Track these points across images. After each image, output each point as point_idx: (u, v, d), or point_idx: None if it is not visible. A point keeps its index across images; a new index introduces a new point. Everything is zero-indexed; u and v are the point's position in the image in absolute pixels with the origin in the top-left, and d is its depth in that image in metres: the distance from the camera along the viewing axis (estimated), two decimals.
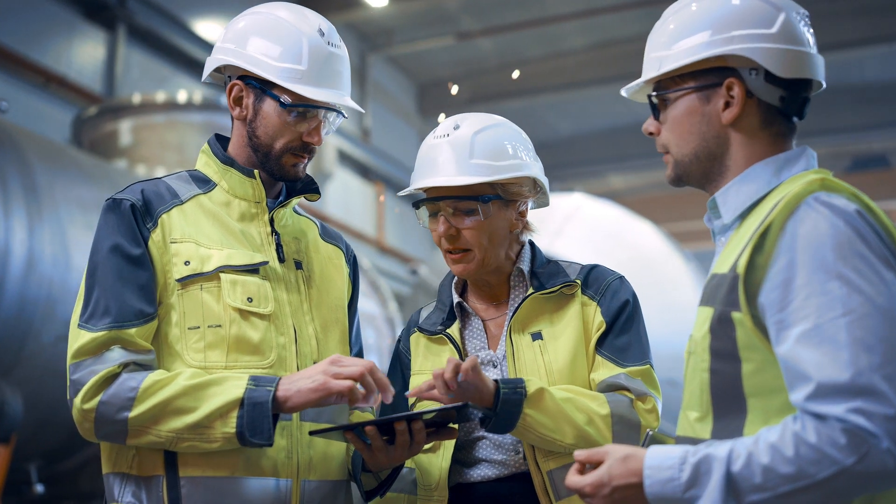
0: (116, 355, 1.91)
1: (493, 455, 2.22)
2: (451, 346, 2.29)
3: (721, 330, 1.58)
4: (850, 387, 1.40)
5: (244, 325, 2.01)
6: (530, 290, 2.29)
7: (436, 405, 2.11)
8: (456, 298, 2.36)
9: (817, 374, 1.43)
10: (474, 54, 13.33)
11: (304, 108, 2.09)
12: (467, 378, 2.02)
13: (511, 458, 2.21)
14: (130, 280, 1.97)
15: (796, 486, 1.41)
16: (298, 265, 2.18)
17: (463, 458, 2.25)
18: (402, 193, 2.39)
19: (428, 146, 2.31)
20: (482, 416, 2.10)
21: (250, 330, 2.01)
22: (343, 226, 11.68)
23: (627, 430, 2.14)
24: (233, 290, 2.01)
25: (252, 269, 2.06)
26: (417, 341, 2.39)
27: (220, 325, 1.99)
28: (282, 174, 2.14)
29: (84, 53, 8.39)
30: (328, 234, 2.35)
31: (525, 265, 2.34)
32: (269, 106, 2.10)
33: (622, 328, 2.24)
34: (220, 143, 2.22)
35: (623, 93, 1.92)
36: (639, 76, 1.83)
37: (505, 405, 2.08)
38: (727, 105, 1.70)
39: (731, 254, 1.62)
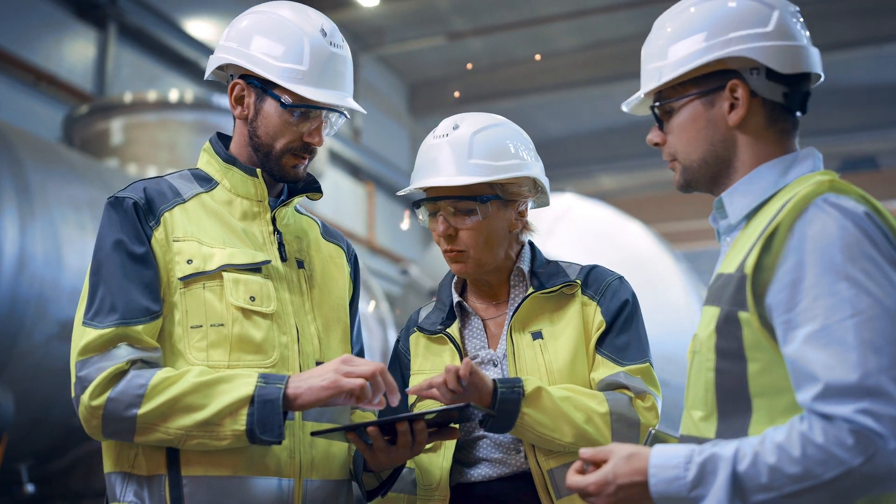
0: (124, 352, 1.90)
1: (494, 454, 2.22)
2: (451, 345, 2.29)
3: (727, 330, 1.58)
4: (858, 388, 1.40)
5: (247, 325, 2.00)
6: (530, 290, 2.30)
7: (437, 405, 2.11)
8: (456, 298, 2.36)
9: (825, 374, 1.43)
10: (465, 54, 13.33)
11: (304, 109, 2.09)
12: (466, 380, 2.02)
13: (511, 458, 2.21)
14: (136, 277, 1.96)
15: (802, 486, 1.42)
16: (300, 264, 2.17)
17: (463, 457, 2.25)
18: (401, 193, 2.39)
19: (427, 146, 2.32)
20: (483, 416, 2.10)
21: (253, 329, 2.00)
22: (334, 225, 11.59)
23: (626, 428, 2.14)
24: (235, 290, 2.01)
25: (254, 269, 2.05)
26: (417, 341, 2.38)
27: (222, 325, 1.99)
28: (282, 175, 2.13)
29: (75, 52, 8.36)
30: (329, 234, 2.35)
31: (525, 265, 2.35)
32: (270, 106, 2.09)
33: (622, 327, 2.25)
34: (221, 141, 2.21)
35: (624, 108, 1.93)
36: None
37: (503, 405, 2.09)
38: (732, 107, 1.70)
39: (737, 254, 1.62)
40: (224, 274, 2.01)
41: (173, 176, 2.15)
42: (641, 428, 2.15)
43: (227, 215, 2.11)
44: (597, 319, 2.26)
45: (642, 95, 1.82)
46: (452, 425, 2.09)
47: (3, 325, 4.57)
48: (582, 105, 14.40)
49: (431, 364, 2.32)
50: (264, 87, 2.09)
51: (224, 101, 6.70)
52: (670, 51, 1.75)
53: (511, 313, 2.29)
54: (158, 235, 2.01)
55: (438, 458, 2.23)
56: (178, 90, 7.07)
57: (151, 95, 6.78)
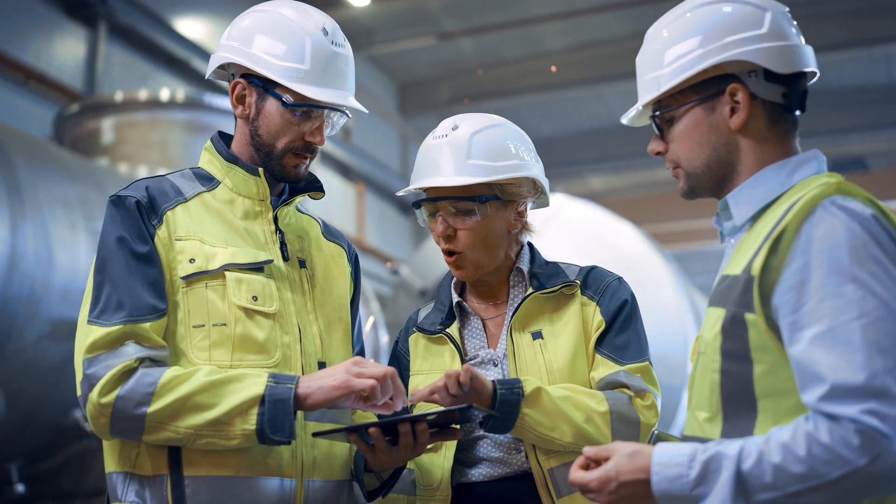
0: (132, 350, 1.89)
1: (494, 454, 2.22)
2: (450, 345, 2.29)
3: (733, 331, 1.58)
4: (864, 388, 1.41)
5: (249, 324, 2.00)
6: (530, 290, 2.30)
7: (438, 406, 2.11)
8: (455, 298, 2.36)
9: (831, 375, 1.44)
10: (456, 54, 13.33)
11: (306, 108, 2.09)
12: (468, 386, 2.03)
13: (512, 457, 2.21)
14: (141, 275, 1.95)
15: (807, 485, 1.42)
16: (302, 264, 2.17)
17: (463, 457, 2.25)
18: (401, 193, 2.39)
19: (427, 146, 2.32)
20: (484, 416, 2.10)
21: (255, 329, 2.00)
22: None
23: (626, 426, 2.15)
24: (238, 289, 2.00)
25: (257, 268, 2.05)
26: (416, 341, 2.38)
27: (225, 324, 1.98)
28: (283, 174, 2.13)
29: (65, 51, 8.32)
30: (331, 233, 2.34)
31: (524, 265, 2.35)
32: (271, 105, 2.09)
33: (621, 327, 2.26)
34: (223, 140, 2.20)
35: (623, 121, 1.94)
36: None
37: (503, 406, 2.09)
38: (733, 111, 1.71)
39: (743, 255, 1.63)
40: (227, 273, 2.00)
41: (175, 175, 2.14)
42: (641, 426, 2.16)
43: (229, 214, 2.10)
44: (596, 319, 2.26)
45: (640, 107, 1.83)
46: (454, 426, 2.09)
47: None
48: (572, 105, 14.42)
49: (431, 364, 2.32)
50: (266, 86, 2.09)
51: (215, 100, 6.69)
52: (666, 59, 1.76)
53: (511, 313, 2.29)
54: (161, 234, 2.00)
55: (439, 459, 2.23)
56: (168, 89, 7.04)
57: (142, 94, 6.75)
